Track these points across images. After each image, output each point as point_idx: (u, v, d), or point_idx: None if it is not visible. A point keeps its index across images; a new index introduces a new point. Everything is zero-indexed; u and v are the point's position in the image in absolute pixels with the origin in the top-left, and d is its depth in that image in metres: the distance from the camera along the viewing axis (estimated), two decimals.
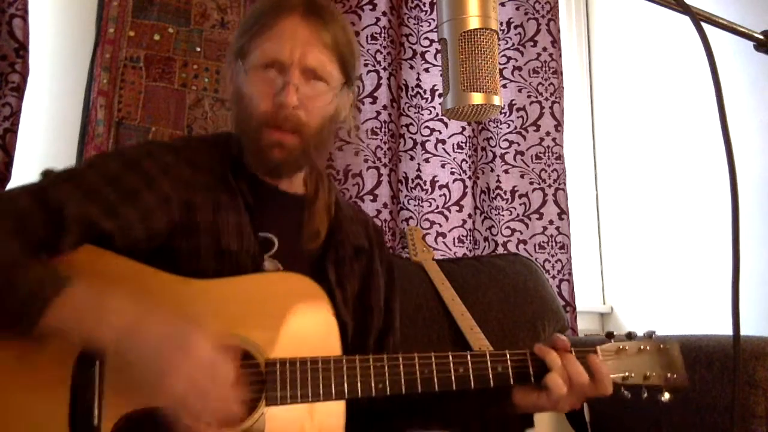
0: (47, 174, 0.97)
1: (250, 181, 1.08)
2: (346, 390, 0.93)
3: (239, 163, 1.08)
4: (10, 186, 1.41)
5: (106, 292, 0.86)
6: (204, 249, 0.99)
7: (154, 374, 0.82)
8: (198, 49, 1.77)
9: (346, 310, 1.07)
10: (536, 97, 2.23)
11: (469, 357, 0.99)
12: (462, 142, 2.14)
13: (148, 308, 0.86)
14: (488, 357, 1.00)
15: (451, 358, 0.98)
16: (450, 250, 2.08)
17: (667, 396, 1.02)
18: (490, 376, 0.99)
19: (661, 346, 1.04)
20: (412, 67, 2.14)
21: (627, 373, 1.03)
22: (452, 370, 0.98)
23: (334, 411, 0.94)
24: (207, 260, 0.98)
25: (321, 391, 0.92)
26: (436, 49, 2.14)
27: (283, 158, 1.05)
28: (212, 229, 1.00)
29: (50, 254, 0.89)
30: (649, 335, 1.06)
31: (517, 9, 2.27)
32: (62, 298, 0.82)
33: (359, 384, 0.94)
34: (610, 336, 1.06)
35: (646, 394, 1.02)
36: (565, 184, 2.20)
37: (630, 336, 1.06)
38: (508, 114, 2.23)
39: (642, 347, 1.04)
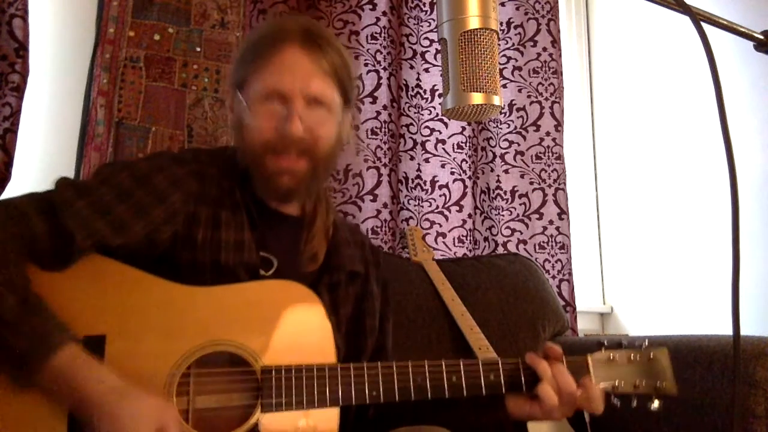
0: (62, 187, 0.98)
1: (253, 199, 1.10)
2: (340, 397, 0.95)
3: (245, 180, 1.10)
4: (10, 187, 1.41)
5: (85, 367, 0.85)
6: (201, 263, 1.01)
7: None
8: (198, 49, 1.77)
9: (338, 335, 1.07)
10: (536, 97, 2.23)
11: (461, 365, 1.01)
12: (462, 142, 2.14)
13: (121, 393, 0.85)
14: (481, 365, 1.01)
15: (444, 366, 1.00)
16: (450, 250, 2.08)
17: (656, 404, 1.03)
18: (483, 384, 1.00)
19: (651, 355, 1.06)
20: (412, 67, 2.14)
21: (617, 382, 1.04)
22: (445, 379, 0.99)
23: (328, 418, 0.95)
24: (205, 273, 1.00)
25: (315, 398, 0.94)
26: (436, 49, 2.14)
27: (294, 184, 1.07)
28: (211, 244, 1.02)
29: (57, 268, 0.92)
30: (639, 345, 1.07)
31: (517, 9, 2.27)
32: (46, 368, 0.83)
33: (353, 391, 0.96)
34: (600, 345, 1.08)
35: (635, 403, 1.04)
36: (565, 184, 2.20)
37: (620, 345, 1.08)
38: (508, 114, 2.23)
39: (632, 357, 1.06)
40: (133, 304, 0.93)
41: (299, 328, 0.99)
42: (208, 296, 0.97)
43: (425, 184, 2.11)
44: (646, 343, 1.07)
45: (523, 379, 1.01)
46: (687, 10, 0.77)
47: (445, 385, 0.99)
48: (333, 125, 1.08)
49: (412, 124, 2.12)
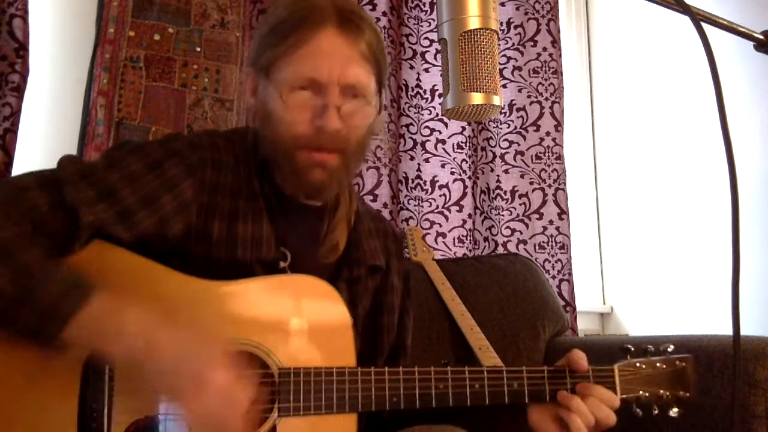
0: (66, 164, 0.92)
1: (272, 188, 1.04)
2: (359, 403, 0.92)
3: (264, 168, 1.03)
4: None
5: (123, 305, 0.82)
6: (216, 259, 0.96)
7: (170, 397, 0.82)
8: (198, 49, 1.77)
9: (356, 332, 1.02)
10: (536, 97, 2.23)
11: (485, 372, 0.98)
12: (462, 142, 2.14)
13: (164, 325, 0.82)
14: (505, 373, 0.98)
15: (467, 373, 0.97)
16: (450, 250, 2.08)
17: (675, 410, 1.02)
18: (506, 392, 0.98)
19: (677, 363, 1.04)
20: (412, 67, 2.14)
21: (641, 393, 1.02)
22: (468, 386, 0.96)
23: (346, 422, 0.93)
24: (219, 268, 0.95)
25: (334, 404, 0.91)
26: (436, 49, 2.14)
27: (326, 179, 0.99)
28: (228, 240, 0.97)
29: (62, 254, 0.86)
30: (663, 350, 1.05)
31: (517, 9, 2.27)
32: (80, 315, 0.79)
33: (373, 397, 0.93)
34: (626, 351, 1.05)
35: (657, 411, 1.02)
36: (565, 184, 2.20)
37: (646, 351, 1.06)
38: (508, 114, 2.23)
39: (658, 365, 1.04)
40: (145, 298, 0.88)
41: (319, 328, 0.95)
42: (224, 292, 0.92)
43: (425, 184, 2.11)
44: (671, 348, 1.05)
45: (547, 388, 0.99)
46: (687, 10, 0.77)
47: (468, 393, 0.96)
48: (369, 115, 1.00)
49: (412, 124, 2.12)
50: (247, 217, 0.99)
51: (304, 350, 0.93)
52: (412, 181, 2.10)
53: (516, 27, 2.26)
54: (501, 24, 2.26)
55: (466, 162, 2.13)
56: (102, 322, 0.80)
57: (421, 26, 2.17)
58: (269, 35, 1.01)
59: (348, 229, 1.09)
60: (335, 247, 1.06)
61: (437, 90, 2.14)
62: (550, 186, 2.19)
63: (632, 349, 1.06)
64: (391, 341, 1.14)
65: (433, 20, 2.15)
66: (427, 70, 2.15)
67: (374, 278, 1.12)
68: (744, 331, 0.75)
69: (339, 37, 0.97)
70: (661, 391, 1.03)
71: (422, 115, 2.14)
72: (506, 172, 2.19)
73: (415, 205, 2.09)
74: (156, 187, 0.93)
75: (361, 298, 1.08)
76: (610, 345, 1.09)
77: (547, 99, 2.23)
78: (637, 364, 1.04)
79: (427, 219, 2.09)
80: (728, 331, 0.79)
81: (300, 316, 0.95)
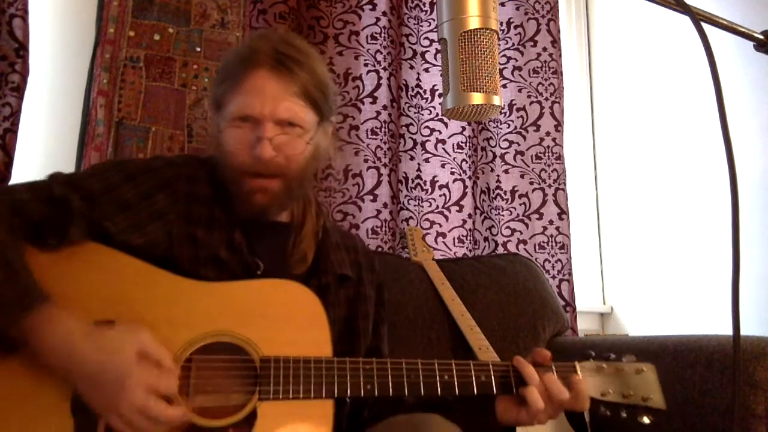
0: (53, 174, 1.04)
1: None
2: (336, 389, 0.98)
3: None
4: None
5: (56, 320, 0.89)
6: (203, 258, 1.04)
7: (99, 402, 0.88)
8: (198, 49, 1.77)
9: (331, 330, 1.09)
10: (536, 97, 2.23)
11: (453, 365, 1.04)
12: (462, 142, 2.14)
13: (88, 335, 0.89)
14: (472, 366, 1.05)
15: (437, 365, 1.04)
16: (450, 250, 2.08)
17: (647, 419, 1.05)
18: (474, 384, 1.03)
19: (638, 368, 1.08)
20: (412, 67, 2.14)
21: (605, 391, 1.06)
22: (438, 377, 1.02)
23: (323, 409, 0.98)
24: (206, 268, 1.04)
25: (312, 389, 0.97)
26: (436, 49, 2.14)
27: (267, 202, 1.09)
28: (210, 241, 1.06)
29: (59, 241, 0.96)
30: (629, 361, 1.09)
31: (517, 9, 2.27)
32: (22, 323, 0.87)
33: (349, 384, 0.99)
34: (588, 357, 1.10)
35: (625, 414, 1.05)
36: (565, 184, 2.20)
37: (608, 357, 1.10)
38: (508, 114, 2.23)
39: (619, 368, 1.08)
40: (140, 295, 0.97)
41: (298, 324, 1.02)
42: (212, 291, 1.01)
43: (425, 184, 2.11)
44: (634, 358, 1.09)
45: (513, 380, 1.05)
46: (687, 10, 0.77)
47: (438, 383, 1.02)
48: (306, 142, 1.09)
49: (412, 124, 2.12)
50: (222, 225, 1.08)
51: (284, 343, 0.99)
52: (412, 181, 2.10)
53: (516, 27, 2.27)
54: (501, 24, 2.26)
55: (466, 162, 2.13)
56: (40, 333, 0.88)
57: (421, 26, 2.18)
58: (219, 74, 1.15)
59: (315, 243, 1.17)
60: (303, 259, 1.14)
61: (437, 90, 2.14)
62: (550, 186, 2.19)
63: (593, 354, 1.10)
64: (367, 345, 1.20)
65: (433, 20, 2.15)
66: (427, 70, 2.15)
67: (346, 288, 1.19)
68: (744, 331, 0.75)
69: (271, 76, 1.06)
70: (625, 392, 1.06)
71: (422, 115, 2.14)
72: (506, 172, 2.19)
73: (415, 205, 2.09)
74: (130, 197, 1.04)
75: (333, 306, 1.15)
76: (610, 345, 1.10)
77: (547, 99, 2.23)
78: (600, 365, 1.08)
79: (427, 219, 2.09)
80: (728, 331, 0.79)
81: (281, 312, 1.02)
